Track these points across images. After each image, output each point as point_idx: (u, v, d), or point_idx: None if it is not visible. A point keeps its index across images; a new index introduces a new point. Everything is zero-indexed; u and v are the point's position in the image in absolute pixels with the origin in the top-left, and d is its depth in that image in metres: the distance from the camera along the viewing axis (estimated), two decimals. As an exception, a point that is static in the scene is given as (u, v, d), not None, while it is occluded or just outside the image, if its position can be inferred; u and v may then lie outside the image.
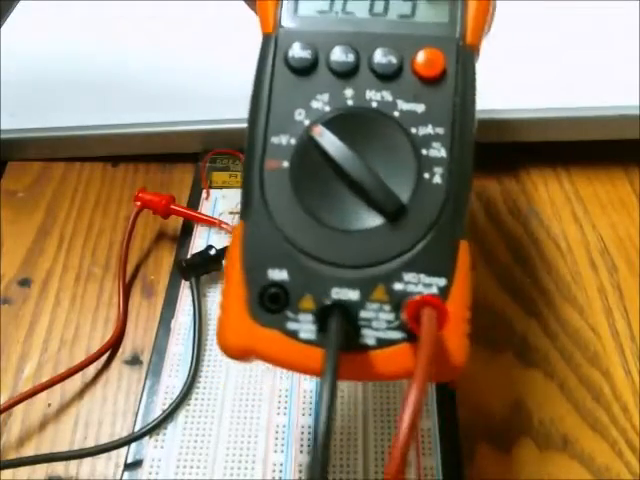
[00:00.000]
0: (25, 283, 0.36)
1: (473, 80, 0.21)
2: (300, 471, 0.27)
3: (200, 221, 0.36)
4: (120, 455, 0.28)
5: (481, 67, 0.25)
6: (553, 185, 0.40)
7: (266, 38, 0.22)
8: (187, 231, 0.36)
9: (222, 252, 0.33)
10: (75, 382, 0.32)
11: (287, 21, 0.22)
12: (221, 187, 0.38)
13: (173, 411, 0.29)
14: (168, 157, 0.42)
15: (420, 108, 0.21)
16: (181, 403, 0.29)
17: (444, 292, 0.20)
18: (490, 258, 0.36)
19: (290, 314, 0.20)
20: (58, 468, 0.29)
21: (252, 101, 0.22)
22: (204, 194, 0.38)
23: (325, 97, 0.21)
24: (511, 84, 0.40)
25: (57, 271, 0.37)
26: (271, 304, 0.20)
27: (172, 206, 0.36)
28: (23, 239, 0.38)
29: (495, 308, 0.34)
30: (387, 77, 0.21)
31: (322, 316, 0.19)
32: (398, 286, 0.20)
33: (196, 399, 0.29)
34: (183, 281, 0.33)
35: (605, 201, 0.39)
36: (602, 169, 0.40)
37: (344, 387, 0.29)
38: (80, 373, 0.32)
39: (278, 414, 0.29)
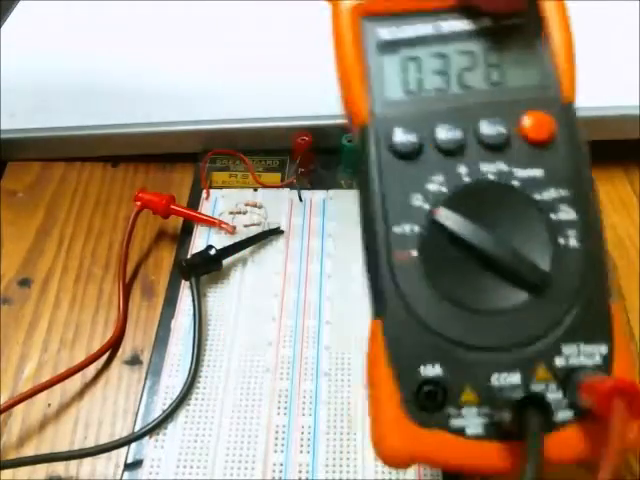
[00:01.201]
0: (25, 283, 0.36)
1: (581, 134, 0.21)
2: (300, 471, 0.27)
3: (200, 221, 0.36)
4: (120, 455, 0.29)
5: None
6: (553, 185, 0.40)
7: (363, 130, 0.21)
8: (187, 231, 0.36)
9: (222, 252, 0.33)
10: (75, 382, 0.32)
11: (380, 109, 0.21)
12: (221, 187, 0.38)
13: (173, 411, 0.29)
14: (168, 157, 0.42)
15: (539, 173, 0.20)
16: (181, 403, 0.29)
17: (608, 359, 0.19)
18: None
19: (452, 410, 0.19)
20: (58, 468, 0.29)
21: (363, 195, 0.21)
22: (204, 194, 0.38)
23: (440, 178, 0.20)
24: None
25: (57, 271, 0.37)
26: (429, 403, 0.19)
27: (172, 206, 0.36)
28: (23, 239, 0.38)
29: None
30: (497, 147, 0.20)
31: (517, 406, 0.18)
32: (559, 361, 0.19)
33: (196, 399, 0.29)
34: (183, 281, 0.33)
35: (605, 201, 0.39)
36: (602, 169, 0.40)
37: (343, 386, 0.29)
38: (80, 373, 0.32)
39: (278, 414, 0.29)
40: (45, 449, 0.30)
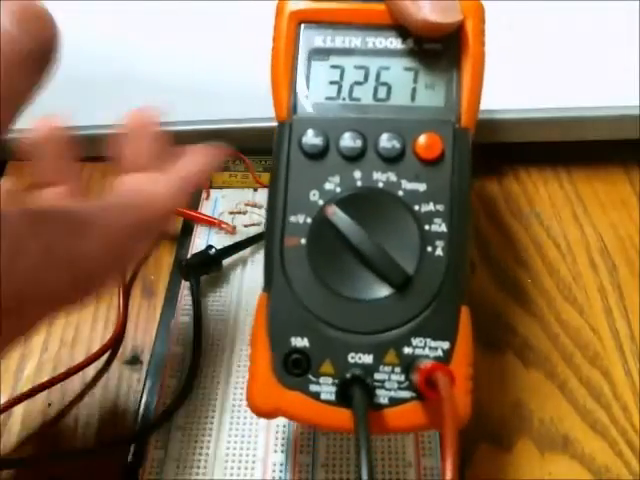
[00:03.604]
0: (25, 283, 0.36)
1: (468, 160, 0.23)
2: (300, 471, 0.27)
3: (200, 221, 0.36)
4: (120, 455, 0.28)
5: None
6: (553, 185, 0.40)
7: (281, 125, 0.24)
8: (187, 231, 0.36)
9: (222, 252, 0.33)
10: (75, 382, 0.32)
11: (300, 108, 0.24)
12: (221, 187, 0.38)
13: (173, 411, 0.29)
14: (168, 157, 0.42)
15: (422, 187, 0.23)
16: (181, 403, 0.29)
17: (448, 354, 0.22)
18: (490, 258, 0.36)
19: (312, 377, 0.22)
20: (58, 468, 0.29)
21: (271, 182, 0.23)
22: (204, 194, 0.38)
23: (336, 179, 0.23)
24: (511, 84, 0.40)
25: (57, 271, 0.36)
26: (294, 368, 0.22)
27: (172, 206, 0.36)
28: (23, 239, 0.38)
29: (495, 308, 0.34)
30: (391, 160, 0.23)
31: (343, 385, 0.22)
32: (407, 350, 0.22)
33: (196, 399, 0.29)
34: (183, 281, 0.33)
35: (605, 201, 0.39)
36: (602, 169, 0.40)
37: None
38: (80, 373, 0.32)
39: (278, 414, 0.29)
40: (45, 449, 0.30)
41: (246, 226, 0.36)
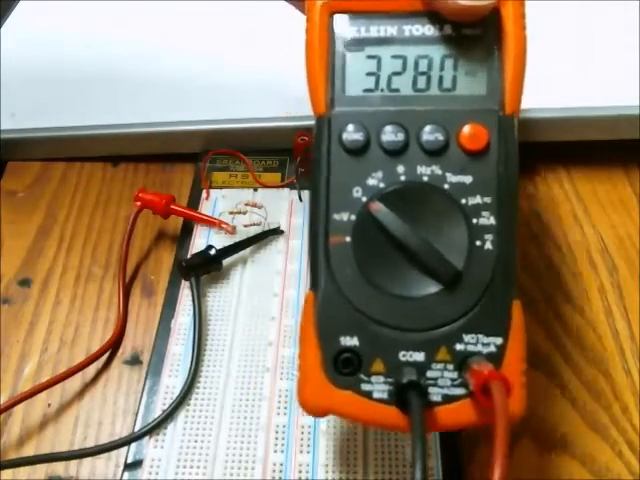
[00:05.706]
0: (25, 283, 0.36)
1: (514, 148, 0.22)
2: (300, 471, 0.27)
3: (200, 221, 0.36)
4: (120, 455, 0.29)
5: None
6: (553, 185, 0.40)
7: (320, 120, 0.23)
8: (187, 231, 0.36)
9: (222, 252, 0.33)
10: (75, 382, 0.32)
11: (338, 102, 0.23)
12: (221, 187, 0.38)
13: (173, 411, 0.29)
14: (168, 157, 0.42)
15: (468, 180, 0.22)
16: (181, 403, 0.29)
17: (501, 350, 0.21)
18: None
19: (363, 376, 0.22)
20: (58, 468, 0.29)
21: (312, 180, 0.23)
22: (204, 194, 0.38)
23: (379, 174, 0.22)
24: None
25: (57, 271, 0.37)
26: (345, 368, 0.22)
27: (172, 206, 0.36)
28: (23, 239, 0.38)
29: (495, 308, 0.34)
30: (435, 152, 0.22)
31: (398, 388, 0.21)
32: (459, 347, 0.22)
33: (196, 399, 0.29)
34: (183, 281, 0.33)
35: (605, 201, 0.39)
36: (602, 169, 0.40)
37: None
38: (80, 373, 0.32)
39: (278, 414, 0.29)
40: (45, 449, 0.30)
41: (246, 226, 0.36)
